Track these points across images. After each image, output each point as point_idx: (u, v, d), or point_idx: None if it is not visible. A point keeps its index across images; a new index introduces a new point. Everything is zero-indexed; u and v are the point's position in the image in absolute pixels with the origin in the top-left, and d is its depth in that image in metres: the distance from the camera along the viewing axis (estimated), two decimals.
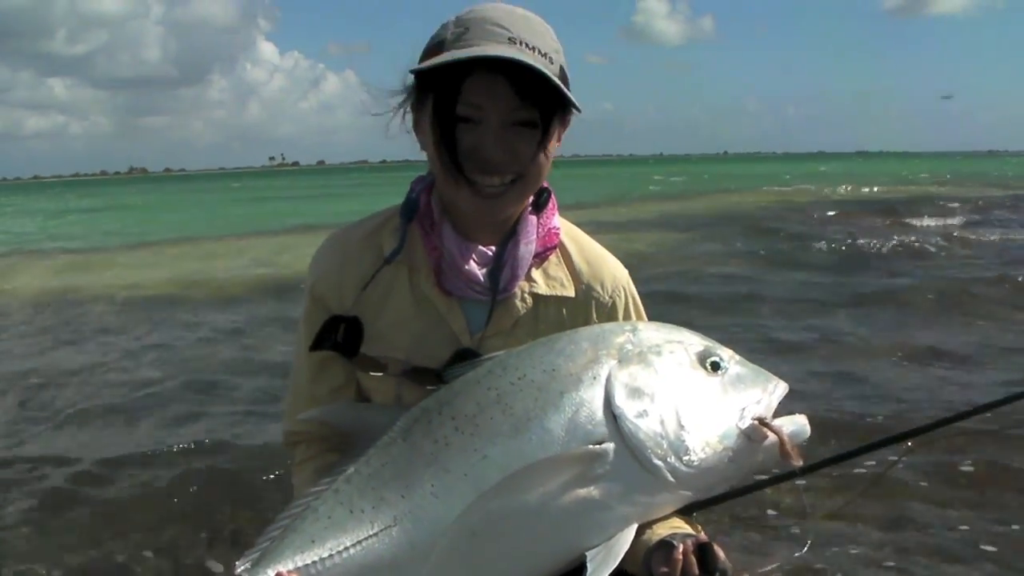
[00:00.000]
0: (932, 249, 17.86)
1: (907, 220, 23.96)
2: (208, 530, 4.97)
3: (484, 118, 2.31)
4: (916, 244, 18.48)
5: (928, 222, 23.58)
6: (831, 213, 26.57)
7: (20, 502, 5.45)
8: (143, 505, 5.39)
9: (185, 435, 6.56)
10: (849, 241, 18.94)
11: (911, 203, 29.25)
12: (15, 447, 6.01)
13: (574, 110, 2.39)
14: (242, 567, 2.23)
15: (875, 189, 39.23)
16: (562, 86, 2.26)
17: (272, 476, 5.50)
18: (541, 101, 2.30)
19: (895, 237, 19.56)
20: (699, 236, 22.05)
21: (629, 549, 2.19)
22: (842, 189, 39.62)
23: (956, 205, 28.08)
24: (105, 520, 5.18)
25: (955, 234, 20.49)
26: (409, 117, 2.49)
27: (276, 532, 2.27)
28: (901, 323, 11.24)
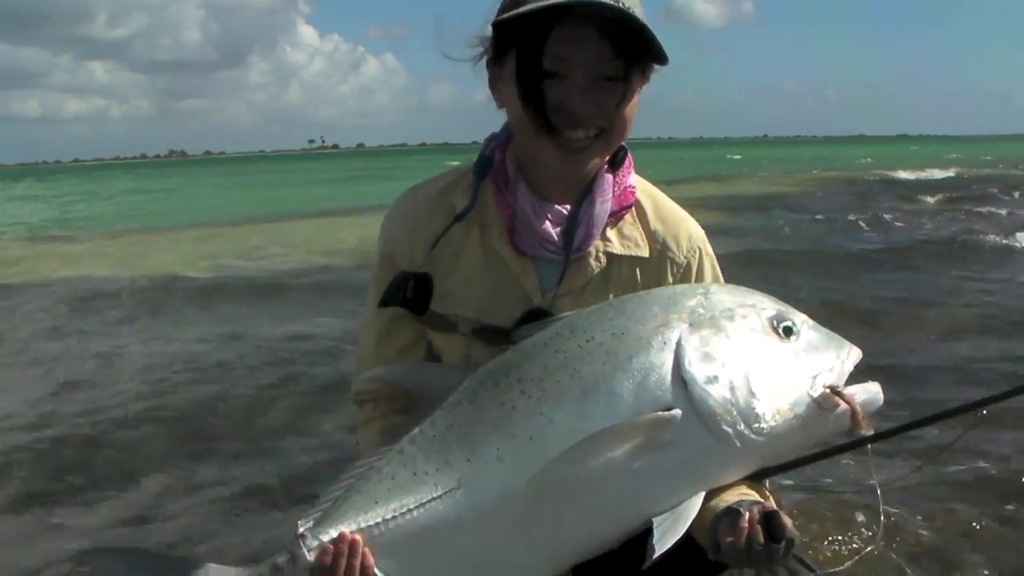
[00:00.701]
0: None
1: None
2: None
3: (569, 72, 2.28)
4: None
5: None
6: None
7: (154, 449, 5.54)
8: (216, 475, 5.44)
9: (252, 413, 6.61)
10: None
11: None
12: (110, 421, 6.03)
13: (656, 65, 2.35)
14: (304, 527, 2.24)
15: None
16: (648, 28, 2.21)
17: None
18: (628, 53, 2.27)
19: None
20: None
21: (696, 516, 2.16)
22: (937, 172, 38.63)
23: None
24: (180, 488, 5.28)
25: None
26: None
27: (339, 492, 2.27)
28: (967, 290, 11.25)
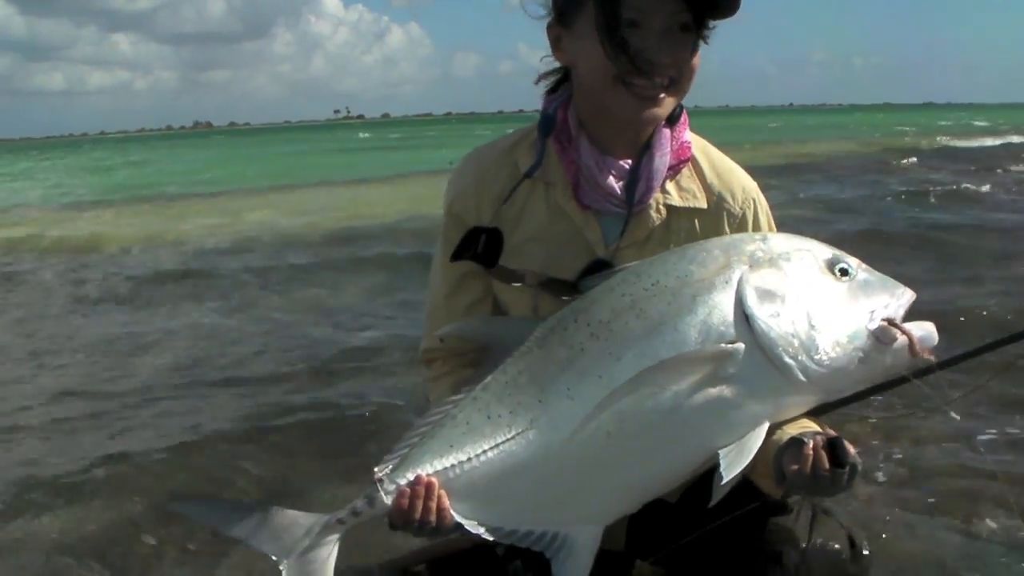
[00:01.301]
0: None
1: None
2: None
3: (646, 21, 2.36)
4: None
5: None
6: None
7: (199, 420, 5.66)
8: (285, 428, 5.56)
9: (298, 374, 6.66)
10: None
11: None
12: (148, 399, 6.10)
13: (719, 19, 2.42)
14: (382, 472, 2.34)
15: None
16: None
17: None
18: (700, 3, 2.36)
19: None
20: None
21: (759, 450, 2.24)
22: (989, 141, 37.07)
23: None
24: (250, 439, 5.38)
25: None
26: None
27: (415, 439, 2.37)
28: None
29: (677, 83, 2.46)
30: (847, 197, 16.55)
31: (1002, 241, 11.20)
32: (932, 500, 3.93)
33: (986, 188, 17.68)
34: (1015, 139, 30.87)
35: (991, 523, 3.64)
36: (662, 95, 2.45)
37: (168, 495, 4.26)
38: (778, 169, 21.59)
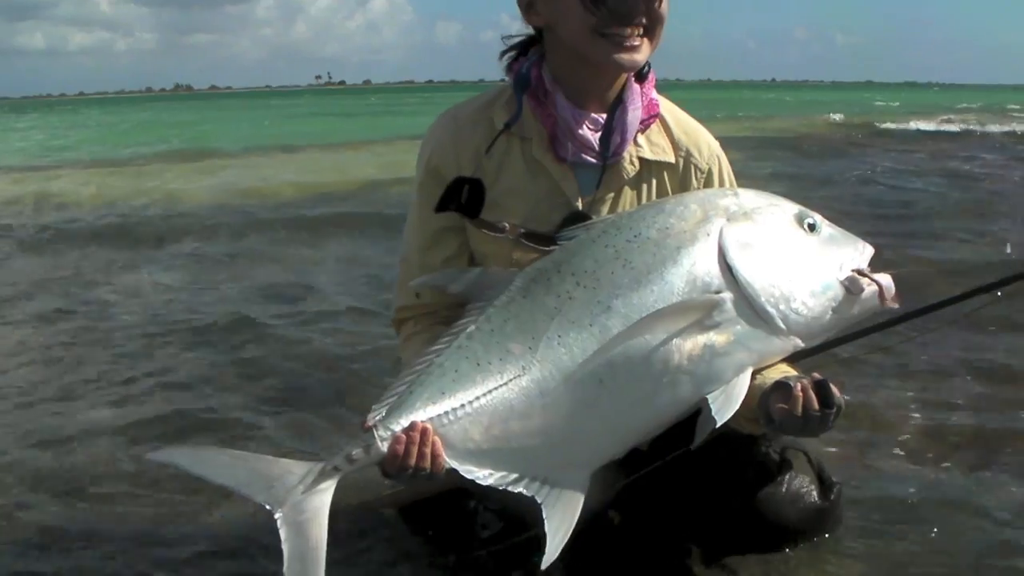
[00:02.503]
0: None
1: None
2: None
3: None
4: None
5: None
6: None
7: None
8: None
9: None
10: None
11: None
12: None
13: None
14: (376, 418, 2.36)
15: None
16: None
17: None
18: None
19: None
20: None
21: (745, 397, 2.34)
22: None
23: None
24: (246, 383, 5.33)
25: None
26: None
27: (402, 388, 2.40)
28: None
29: (651, 30, 2.55)
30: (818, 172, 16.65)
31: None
32: (892, 442, 4.04)
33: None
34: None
35: (952, 462, 3.76)
36: (638, 42, 2.54)
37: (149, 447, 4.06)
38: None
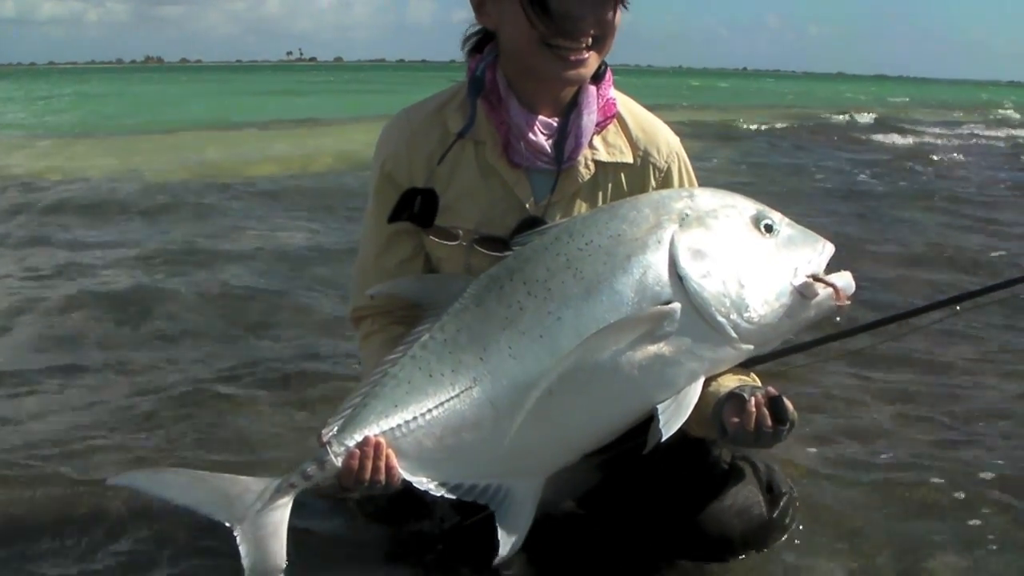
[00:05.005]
0: None
1: None
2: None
3: None
4: None
5: None
6: None
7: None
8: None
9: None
10: None
11: None
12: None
13: None
14: (329, 434, 2.41)
15: None
16: None
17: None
18: None
19: None
20: None
21: (697, 403, 2.37)
22: None
23: None
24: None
25: None
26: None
27: (357, 399, 2.44)
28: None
29: (600, 42, 2.55)
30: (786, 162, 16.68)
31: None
32: (846, 450, 4.06)
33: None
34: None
35: (906, 471, 3.77)
36: (586, 55, 2.53)
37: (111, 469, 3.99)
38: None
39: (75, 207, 10.99)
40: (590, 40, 2.52)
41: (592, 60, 2.56)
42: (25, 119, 28.37)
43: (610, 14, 2.51)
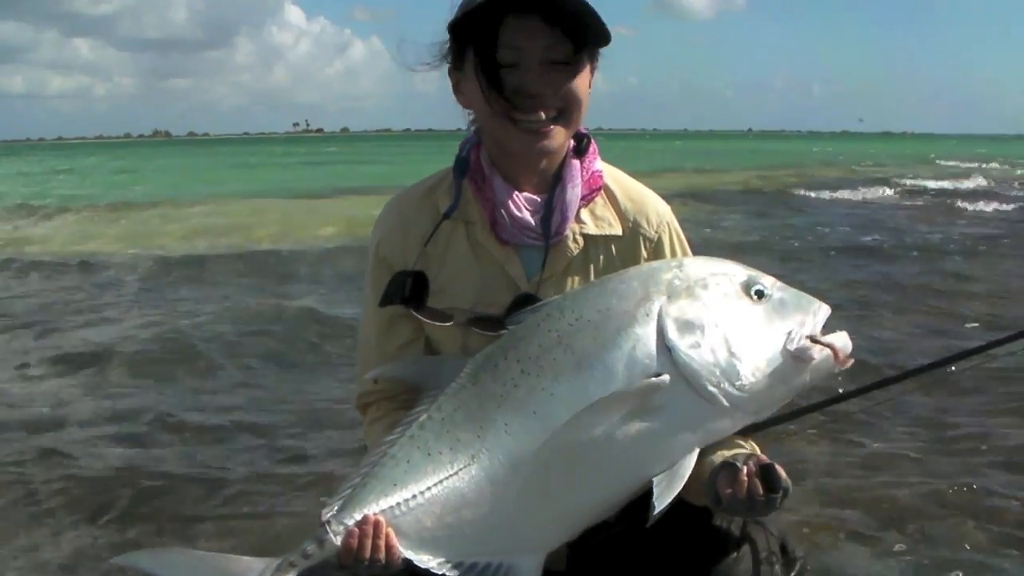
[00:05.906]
0: None
1: None
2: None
3: (523, 59, 2.46)
4: None
5: None
6: None
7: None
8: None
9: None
10: None
11: None
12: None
13: (595, 49, 2.55)
14: (329, 514, 2.39)
15: None
16: (594, 9, 2.40)
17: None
18: (574, 36, 2.46)
19: None
20: None
21: (693, 471, 2.33)
22: None
23: None
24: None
25: None
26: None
27: (357, 479, 2.42)
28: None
29: (566, 113, 2.55)
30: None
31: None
32: (858, 512, 4.03)
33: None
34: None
35: (912, 535, 3.75)
36: (550, 127, 2.54)
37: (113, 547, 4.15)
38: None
39: None
40: (554, 113, 2.53)
41: (558, 132, 2.56)
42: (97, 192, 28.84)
43: (571, 86, 2.52)
